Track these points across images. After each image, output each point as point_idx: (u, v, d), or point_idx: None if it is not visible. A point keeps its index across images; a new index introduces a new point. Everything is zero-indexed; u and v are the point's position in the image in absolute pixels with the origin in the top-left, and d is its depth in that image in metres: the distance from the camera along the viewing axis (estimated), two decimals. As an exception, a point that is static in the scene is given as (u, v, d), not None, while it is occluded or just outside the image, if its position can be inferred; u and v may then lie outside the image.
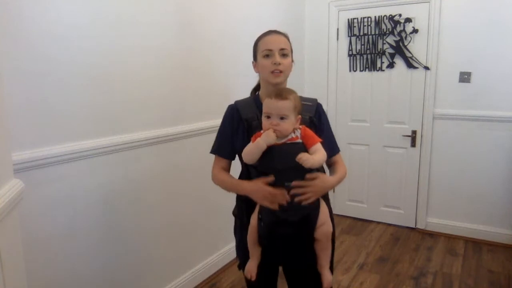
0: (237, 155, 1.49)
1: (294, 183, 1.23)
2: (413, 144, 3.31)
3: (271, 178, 1.25)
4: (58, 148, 1.62)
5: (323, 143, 1.29)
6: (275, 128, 1.23)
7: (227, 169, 1.50)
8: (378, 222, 3.56)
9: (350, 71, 3.49)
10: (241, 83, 2.80)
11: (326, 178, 1.35)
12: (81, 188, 1.75)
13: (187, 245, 2.43)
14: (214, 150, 1.51)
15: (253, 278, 1.36)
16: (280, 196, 1.23)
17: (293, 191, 1.24)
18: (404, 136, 3.34)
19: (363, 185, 3.58)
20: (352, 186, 3.58)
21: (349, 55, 3.46)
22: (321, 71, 3.61)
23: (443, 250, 3.03)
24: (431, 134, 3.22)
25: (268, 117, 1.26)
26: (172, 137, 2.20)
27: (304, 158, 1.19)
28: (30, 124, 1.53)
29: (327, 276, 1.35)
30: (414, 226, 3.42)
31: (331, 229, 1.34)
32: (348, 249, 3.05)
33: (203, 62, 2.42)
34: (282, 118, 1.24)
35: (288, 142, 1.25)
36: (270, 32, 1.44)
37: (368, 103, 3.46)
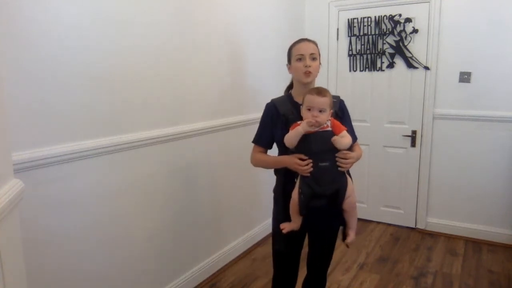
0: (275, 144, 1.76)
1: (338, 154, 1.55)
2: (413, 144, 3.31)
3: (302, 156, 1.56)
4: (58, 148, 1.62)
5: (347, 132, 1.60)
6: (315, 119, 1.50)
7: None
8: (378, 222, 3.56)
9: (350, 71, 3.49)
10: (242, 82, 2.80)
11: (352, 153, 1.66)
12: (81, 188, 1.75)
13: (187, 245, 2.43)
14: (255, 140, 1.80)
15: (285, 231, 1.64)
16: (304, 165, 1.54)
17: (339, 156, 1.55)
18: (404, 136, 3.34)
19: (363, 185, 3.58)
20: (352, 186, 3.58)
21: (349, 55, 3.46)
22: (321, 71, 3.55)
23: (443, 250, 3.03)
24: (431, 134, 3.22)
25: (309, 109, 1.54)
26: (172, 137, 2.20)
27: (337, 140, 1.51)
28: (30, 124, 1.53)
29: (351, 236, 1.69)
30: (414, 226, 3.42)
31: (355, 201, 1.65)
32: (348, 249, 3.05)
33: (203, 62, 2.42)
34: (320, 111, 1.52)
35: (321, 130, 1.53)
36: (302, 40, 1.74)
37: (368, 103, 3.45)
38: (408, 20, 3.15)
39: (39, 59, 1.54)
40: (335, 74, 3.57)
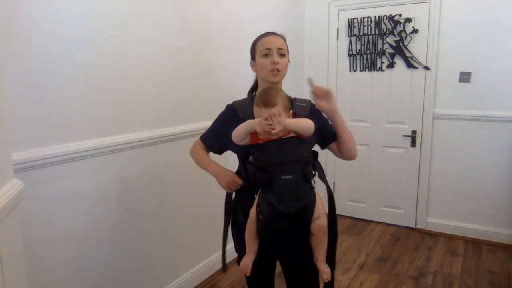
0: (235, 153, 1.52)
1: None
2: (413, 144, 3.31)
3: (241, 182, 1.43)
4: (58, 148, 1.62)
5: (324, 130, 1.48)
6: (273, 135, 1.27)
7: None
8: (378, 222, 3.56)
9: (350, 71, 3.49)
10: (241, 82, 2.80)
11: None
12: (81, 188, 1.75)
13: (187, 245, 2.43)
14: (203, 138, 1.62)
15: (248, 273, 1.39)
16: (235, 184, 1.43)
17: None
18: (404, 136, 3.34)
19: (363, 185, 3.58)
20: (352, 186, 3.58)
21: (349, 55, 3.46)
22: (321, 71, 3.61)
23: (443, 250, 3.03)
24: (431, 134, 3.22)
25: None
26: (172, 137, 2.20)
27: (294, 126, 1.26)
28: (30, 124, 1.53)
29: (325, 269, 1.38)
30: (414, 226, 3.42)
31: (325, 223, 1.36)
32: (348, 249, 3.05)
33: (203, 62, 2.42)
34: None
35: (283, 137, 1.29)
36: (268, 33, 1.50)
37: (368, 103, 3.46)
38: (408, 20, 3.15)
39: (39, 59, 1.54)
40: (335, 74, 3.57)
